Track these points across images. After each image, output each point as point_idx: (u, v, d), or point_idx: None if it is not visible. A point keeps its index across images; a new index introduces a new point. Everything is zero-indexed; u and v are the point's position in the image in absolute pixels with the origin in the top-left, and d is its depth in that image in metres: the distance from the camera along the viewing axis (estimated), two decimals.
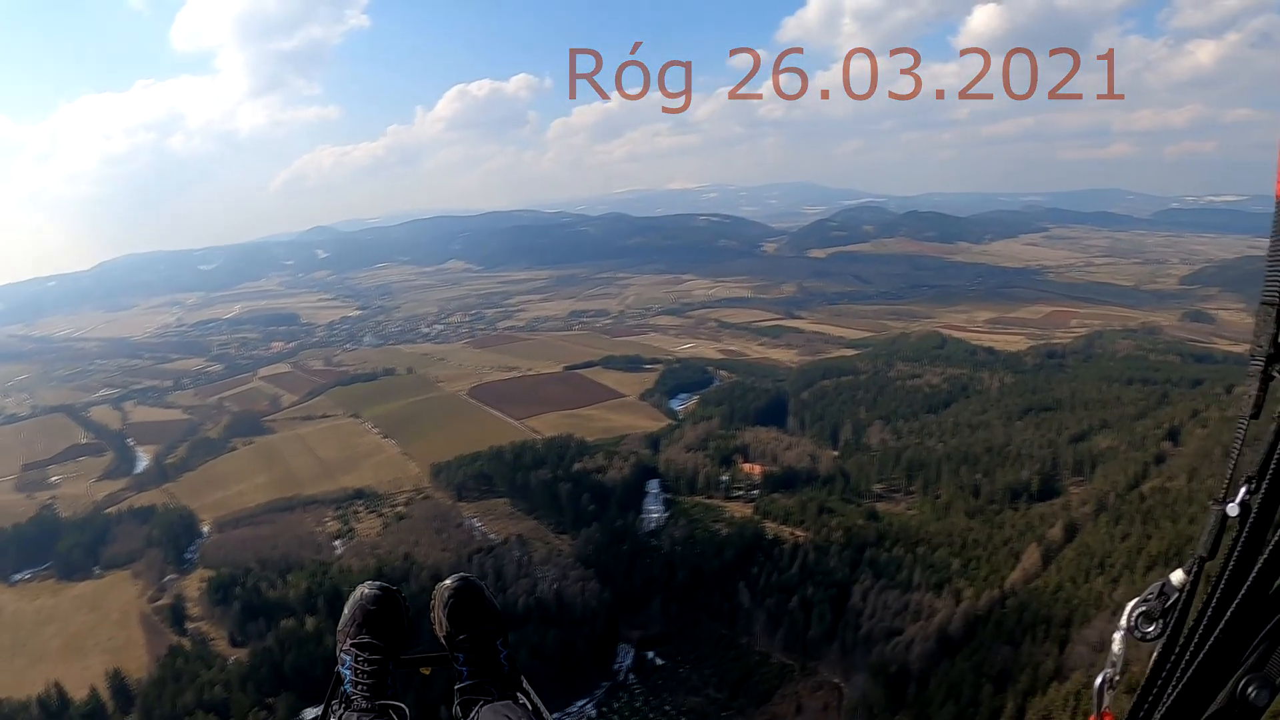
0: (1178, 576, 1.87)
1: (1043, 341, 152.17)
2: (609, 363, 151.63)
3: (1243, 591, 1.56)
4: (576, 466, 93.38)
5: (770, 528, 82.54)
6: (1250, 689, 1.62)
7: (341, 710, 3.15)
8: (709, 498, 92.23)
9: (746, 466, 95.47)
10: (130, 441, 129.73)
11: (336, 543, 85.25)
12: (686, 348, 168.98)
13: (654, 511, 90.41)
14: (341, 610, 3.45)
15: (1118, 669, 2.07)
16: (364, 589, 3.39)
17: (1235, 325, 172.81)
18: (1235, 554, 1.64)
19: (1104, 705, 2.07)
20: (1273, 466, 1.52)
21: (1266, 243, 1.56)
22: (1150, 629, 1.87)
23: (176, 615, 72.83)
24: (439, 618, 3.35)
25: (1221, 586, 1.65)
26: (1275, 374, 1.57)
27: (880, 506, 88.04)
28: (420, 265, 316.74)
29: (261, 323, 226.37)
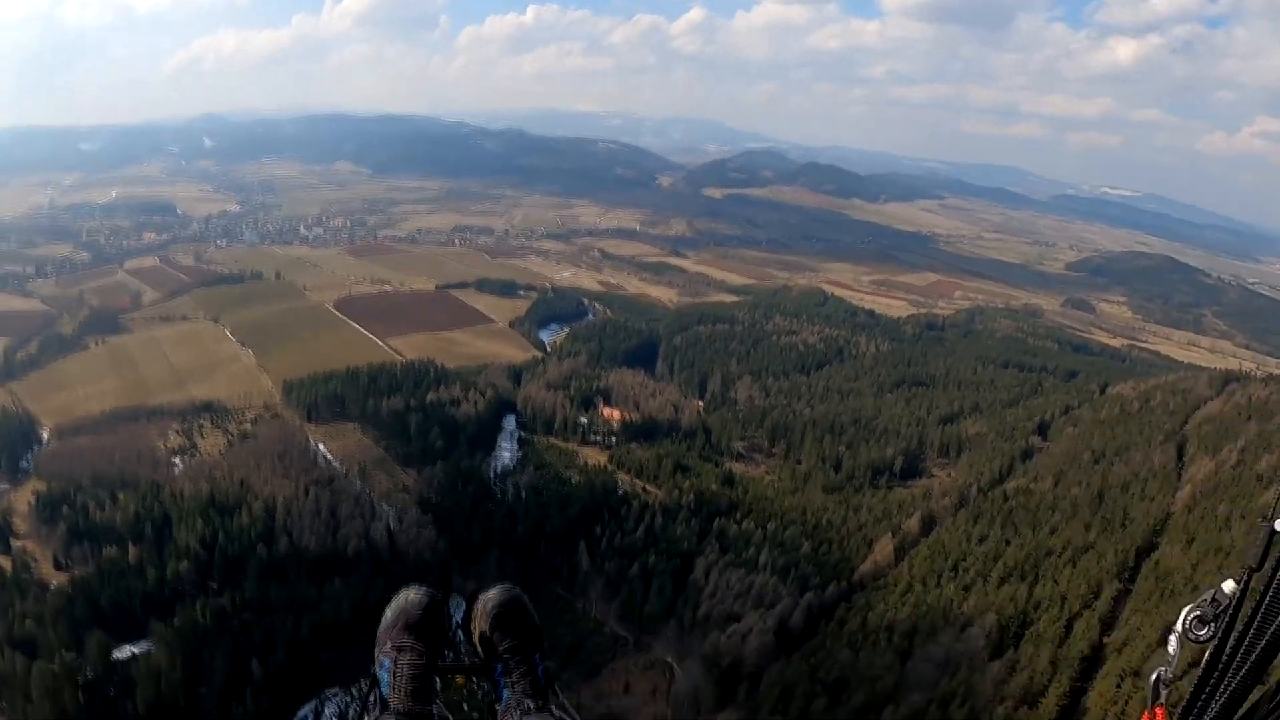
0: (1229, 586, 2.10)
1: (924, 310, 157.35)
2: (483, 285, 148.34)
3: None
4: (431, 397, 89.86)
5: (623, 480, 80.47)
6: None
7: (378, 712, 3.13)
8: (565, 440, 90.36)
9: (607, 411, 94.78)
10: None
11: (176, 459, 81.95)
12: (566, 275, 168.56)
13: (506, 450, 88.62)
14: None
15: (1172, 667, 2.32)
16: (410, 593, 3.34)
17: (1115, 318, 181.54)
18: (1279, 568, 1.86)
19: (1158, 700, 2.31)
20: None
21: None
22: (1203, 632, 2.10)
23: (1, 532, 67.84)
24: (480, 626, 3.34)
25: (1269, 596, 1.87)
26: None
27: (738, 468, 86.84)
28: (309, 163, 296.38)
29: (136, 210, 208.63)
